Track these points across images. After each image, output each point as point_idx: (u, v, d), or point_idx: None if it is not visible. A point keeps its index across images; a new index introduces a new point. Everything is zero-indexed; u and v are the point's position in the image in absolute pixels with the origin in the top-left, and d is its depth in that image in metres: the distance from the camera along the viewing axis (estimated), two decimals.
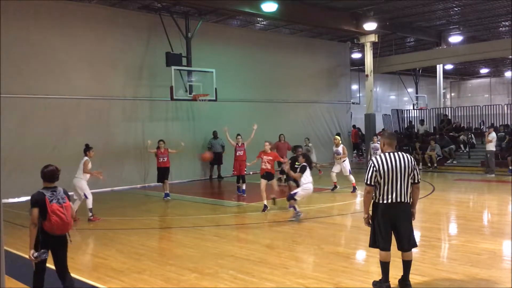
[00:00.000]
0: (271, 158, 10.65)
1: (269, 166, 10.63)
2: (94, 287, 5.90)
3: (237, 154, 13.48)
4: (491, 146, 16.62)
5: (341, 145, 13.51)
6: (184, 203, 12.72)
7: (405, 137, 22.12)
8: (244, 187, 13.20)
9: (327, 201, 12.04)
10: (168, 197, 12.78)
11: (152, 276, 6.18)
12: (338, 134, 14.56)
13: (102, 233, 9.28)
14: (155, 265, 6.71)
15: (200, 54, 16.76)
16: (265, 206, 10.56)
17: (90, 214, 10.16)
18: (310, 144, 17.25)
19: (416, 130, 23.57)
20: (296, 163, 11.10)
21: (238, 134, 14.03)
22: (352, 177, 13.28)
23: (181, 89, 15.80)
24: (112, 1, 16.02)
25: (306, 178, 9.52)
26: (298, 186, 10.15)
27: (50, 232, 4.86)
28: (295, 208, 9.43)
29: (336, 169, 13.47)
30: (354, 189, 13.08)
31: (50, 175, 5.10)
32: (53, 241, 4.92)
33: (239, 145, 13.51)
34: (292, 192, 9.60)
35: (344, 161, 13.32)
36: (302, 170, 9.54)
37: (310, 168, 9.70)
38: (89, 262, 7.13)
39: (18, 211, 10.33)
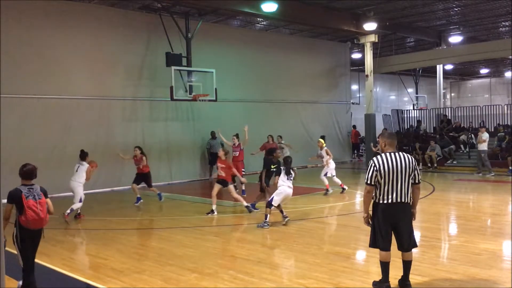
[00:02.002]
0: (224, 166, 10.44)
1: (223, 174, 10.43)
2: (94, 287, 5.90)
3: (233, 155, 13.51)
4: (484, 146, 16.66)
5: (324, 148, 13.19)
6: (184, 203, 12.71)
7: (414, 137, 21.87)
8: (243, 187, 13.18)
9: (327, 201, 12.03)
10: (161, 199, 12.15)
11: (152, 276, 6.18)
12: (323, 137, 13.99)
13: (102, 233, 9.28)
14: (155, 265, 6.71)
15: (200, 54, 16.76)
16: (212, 211, 10.44)
17: (69, 211, 10.04)
18: (283, 142, 16.82)
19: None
20: (272, 166, 10.95)
21: (234, 135, 13.94)
22: (325, 180, 12.88)
23: (181, 89, 15.80)
24: (112, 1, 16.02)
25: (281, 181, 9.18)
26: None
27: (26, 227, 5.25)
28: (266, 217, 9.06)
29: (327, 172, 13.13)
30: (327, 191, 12.78)
31: (28, 173, 5.45)
32: (29, 235, 5.32)
33: (235, 145, 13.49)
34: (269, 199, 9.18)
35: (327, 164, 13.02)
36: (277, 173, 9.25)
37: (287, 170, 9.27)
38: (89, 262, 7.13)
39: None
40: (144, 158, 11.94)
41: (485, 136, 16.71)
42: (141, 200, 11.96)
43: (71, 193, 10.57)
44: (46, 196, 5.46)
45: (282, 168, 9.26)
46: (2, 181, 5.56)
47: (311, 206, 11.22)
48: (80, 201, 10.18)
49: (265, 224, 8.97)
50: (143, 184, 12.21)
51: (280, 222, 9.50)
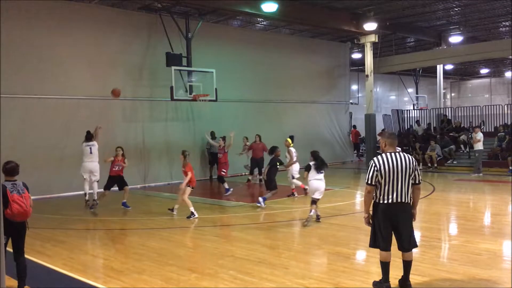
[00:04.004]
0: (183, 169, 10.42)
1: (184, 176, 10.43)
2: (94, 287, 5.90)
3: (218, 156, 13.96)
4: (479, 146, 16.69)
5: (290, 148, 12.49)
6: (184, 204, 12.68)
7: (427, 138, 21.57)
8: (226, 186, 13.49)
9: (327, 201, 12.01)
10: (129, 207, 11.46)
11: (152, 276, 6.18)
12: (291, 137, 13.25)
13: (102, 233, 9.29)
14: (155, 265, 6.71)
15: (200, 54, 16.75)
16: (192, 214, 10.19)
17: (96, 197, 11.13)
18: (248, 143, 16.46)
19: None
20: (278, 164, 11.18)
21: (221, 137, 14.26)
22: (294, 181, 12.48)
23: (181, 89, 15.80)
24: (112, 1, 16.02)
25: (310, 176, 9.39)
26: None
27: (10, 219, 5.46)
28: (311, 211, 9.25)
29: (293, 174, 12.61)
30: (292, 194, 12.46)
31: (11, 170, 5.75)
32: (14, 227, 5.53)
33: (220, 147, 13.80)
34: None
35: (293, 164, 12.38)
36: (307, 169, 9.48)
37: (318, 166, 9.37)
38: (89, 262, 7.13)
39: None
40: (125, 159, 11.48)
41: (480, 136, 16.77)
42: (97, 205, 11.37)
43: (70, 193, 10.70)
44: (28, 191, 5.77)
45: (311, 163, 9.42)
46: (2, 181, 5.61)
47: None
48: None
49: (317, 218, 9.32)
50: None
51: (279, 222, 9.52)
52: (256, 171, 15.58)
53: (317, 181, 9.29)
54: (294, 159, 12.24)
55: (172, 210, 10.71)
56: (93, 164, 10.91)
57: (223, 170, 13.51)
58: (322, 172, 9.35)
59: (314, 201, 9.26)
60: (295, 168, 12.50)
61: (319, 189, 9.28)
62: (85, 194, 11.04)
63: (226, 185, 13.49)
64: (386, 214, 5.22)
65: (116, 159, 11.31)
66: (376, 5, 18.16)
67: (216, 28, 18.82)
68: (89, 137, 10.99)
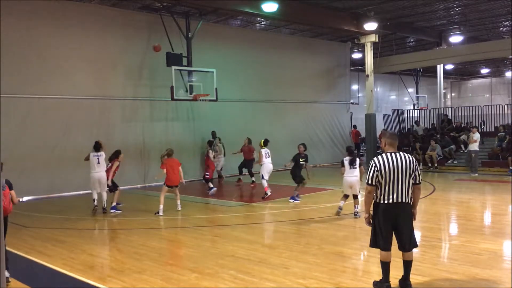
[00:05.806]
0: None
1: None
2: (94, 287, 5.90)
3: (205, 161, 14.69)
4: (475, 146, 16.72)
5: (261, 150, 12.70)
6: (184, 203, 12.68)
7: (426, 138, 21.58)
8: (210, 185, 14.02)
9: (327, 201, 12.01)
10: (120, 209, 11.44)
11: (152, 276, 6.18)
12: (266, 140, 13.18)
13: (102, 233, 9.28)
14: (155, 265, 6.71)
15: (201, 54, 16.76)
16: (157, 211, 10.66)
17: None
18: (219, 144, 16.57)
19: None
20: (301, 160, 11.53)
21: (209, 147, 15.04)
22: (264, 182, 12.43)
23: (181, 89, 15.81)
24: (112, 1, 16.02)
25: (345, 172, 9.81)
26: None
27: None
28: (355, 207, 9.79)
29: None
30: (266, 194, 12.31)
31: None
32: None
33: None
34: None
35: (261, 164, 12.61)
36: (342, 164, 9.95)
37: (350, 160, 9.82)
38: (89, 262, 7.12)
39: (18, 211, 10.32)
40: None
41: (476, 136, 16.80)
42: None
43: (70, 193, 10.68)
44: (11, 188, 5.88)
45: (345, 159, 9.89)
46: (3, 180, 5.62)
47: (311, 206, 11.21)
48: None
49: (338, 209, 9.83)
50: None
51: (280, 222, 9.51)
52: (244, 171, 16.18)
53: (349, 178, 9.72)
54: (263, 159, 12.64)
55: (177, 209, 11.00)
56: (100, 174, 10.82)
57: (207, 173, 14.31)
58: (355, 168, 9.72)
59: (345, 196, 9.85)
60: (267, 168, 12.66)
61: (352, 186, 9.69)
62: (93, 200, 10.98)
63: (210, 184, 14.01)
64: (386, 214, 5.22)
65: (120, 163, 11.37)
66: (376, 5, 18.15)
67: (216, 28, 18.82)
68: (97, 147, 10.89)
